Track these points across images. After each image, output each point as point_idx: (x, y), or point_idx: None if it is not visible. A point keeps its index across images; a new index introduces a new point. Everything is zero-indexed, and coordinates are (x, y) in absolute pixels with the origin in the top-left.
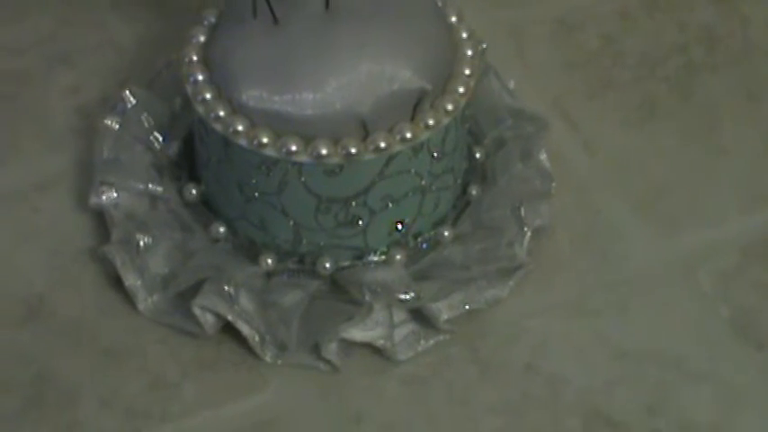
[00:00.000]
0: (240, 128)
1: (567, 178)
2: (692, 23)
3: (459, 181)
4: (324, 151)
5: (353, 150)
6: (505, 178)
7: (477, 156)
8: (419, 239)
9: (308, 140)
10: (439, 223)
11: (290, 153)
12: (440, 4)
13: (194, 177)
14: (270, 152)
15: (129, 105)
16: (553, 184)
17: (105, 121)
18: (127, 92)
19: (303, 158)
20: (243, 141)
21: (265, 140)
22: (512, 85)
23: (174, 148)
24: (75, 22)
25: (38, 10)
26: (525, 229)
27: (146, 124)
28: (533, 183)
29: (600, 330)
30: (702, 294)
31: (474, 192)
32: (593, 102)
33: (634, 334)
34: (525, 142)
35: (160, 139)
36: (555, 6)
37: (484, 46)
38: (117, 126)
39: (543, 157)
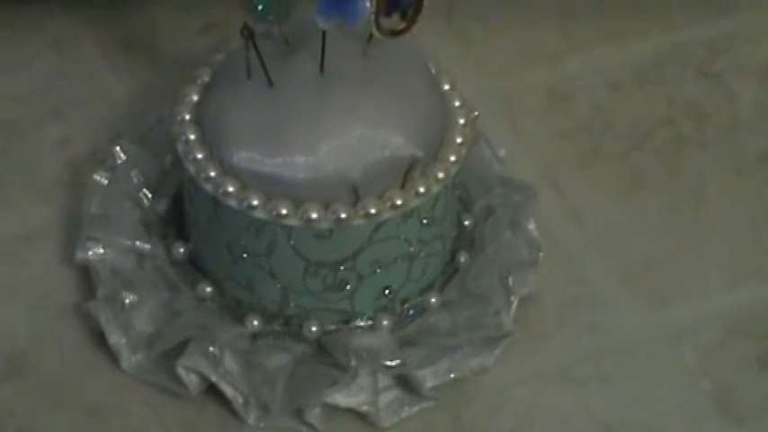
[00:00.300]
0: (230, 189)
1: (554, 247)
2: (681, 98)
3: (447, 247)
4: (314, 215)
5: (343, 215)
6: (494, 246)
7: (467, 223)
8: (406, 305)
9: (298, 204)
10: (426, 289)
11: (280, 216)
12: (433, 71)
13: (182, 236)
14: (260, 214)
15: (119, 161)
16: (540, 254)
17: (95, 176)
18: (117, 147)
19: (293, 222)
20: (233, 203)
21: (255, 203)
22: (502, 153)
23: (163, 205)
24: (67, 74)
25: (30, 61)
26: (512, 298)
27: (135, 180)
28: (521, 252)
29: (585, 401)
30: (686, 368)
31: (462, 259)
32: (583, 172)
33: (618, 406)
34: (514, 211)
35: (149, 195)
36: (547, 77)
37: (476, 114)
38: (106, 181)
39: (531, 226)
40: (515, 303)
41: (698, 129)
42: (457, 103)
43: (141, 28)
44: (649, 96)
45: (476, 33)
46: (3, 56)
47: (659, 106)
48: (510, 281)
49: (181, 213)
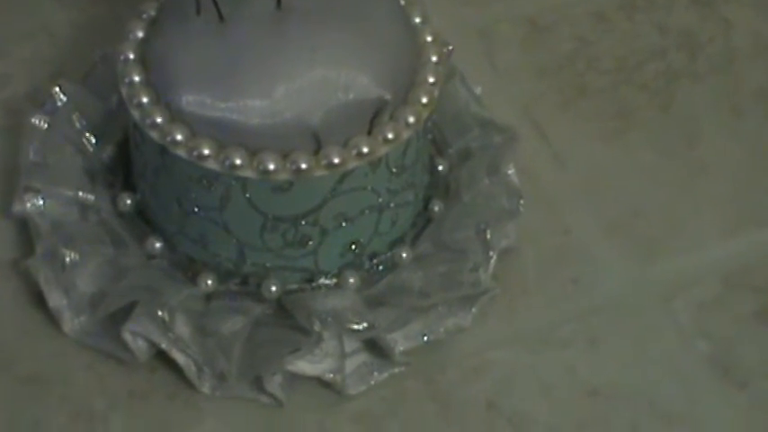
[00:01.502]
0: (179, 137)
1: (536, 195)
2: (672, 27)
3: (419, 196)
4: (271, 166)
5: (304, 166)
6: (470, 194)
7: (440, 168)
8: (375, 261)
9: (253, 153)
10: (396, 243)
11: (233, 167)
12: (402, 2)
13: (130, 185)
14: (211, 165)
15: (60, 103)
16: (521, 202)
17: (32, 120)
18: (57, 88)
19: (248, 173)
20: (182, 152)
21: (207, 152)
22: (479, 91)
23: (109, 151)
24: (4, 5)
25: None
26: (491, 253)
27: (77, 124)
28: (500, 200)
29: (569, 364)
30: (679, 326)
31: (436, 208)
32: (566, 110)
33: (605, 369)
34: (492, 155)
35: (93, 141)
36: (527, 5)
37: (450, 48)
38: (45, 125)
39: (511, 171)
40: (494, 258)
41: (691, 61)
42: (429, 38)
43: None
44: (637, 26)
45: None
46: None
47: (648, 36)
48: (488, 233)
49: (128, 161)
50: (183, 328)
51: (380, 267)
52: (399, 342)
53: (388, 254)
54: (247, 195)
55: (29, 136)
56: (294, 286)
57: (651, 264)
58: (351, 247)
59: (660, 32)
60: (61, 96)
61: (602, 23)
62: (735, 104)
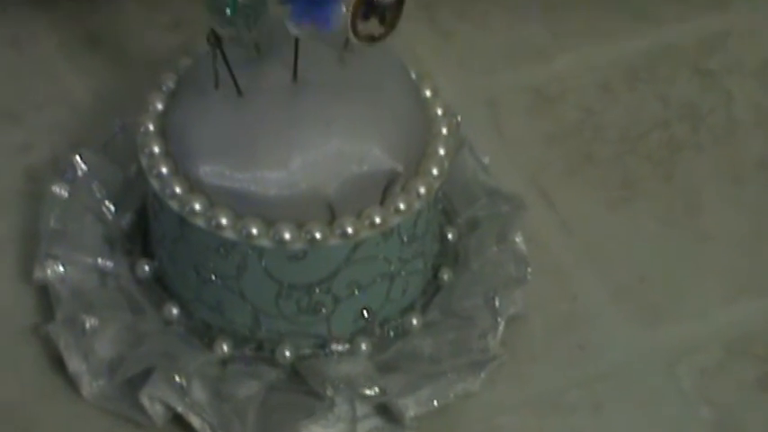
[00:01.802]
0: (197, 207)
1: (543, 262)
2: (675, 98)
3: (429, 264)
4: (287, 236)
5: (318, 235)
6: (479, 262)
7: (450, 237)
8: (386, 327)
9: (270, 223)
10: (407, 309)
11: (250, 236)
12: (414, 77)
13: (148, 253)
14: (229, 235)
15: (80, 172)
16: (529, 270)
17: (53, 188)
18: (77, 157)
19: (264, 243)
20: (200, 222)
21: (224, 222)
22: (487, 160)
23: (127, 219)
24: (26, 75)
25: None
26: (499, 320)
27: (97, 193)
28: (508, 268)
29: (575, 429)
30: (682, 393)
31: (445, 276)
32: (572, 179)
33: None
34: (500, 223)
35: (112, 209)
36: (533, 76)
37: (459, 119)
38: (66, 194)
39: (519, 239)
40: (502, 325)
41: (693, 131)
42: (439, 111)
43: (106, 25)
44: (641, 97)
45: (459, 30)
46: None
47: (652, 107)
48: (496, 301)
49: (146, 228)
50: (199, 392)
51: (391, 333)
52: (410, 407)
53: (399, 320)
54: (263, 264)
55: (50, 204)
56: (308, 352)
57: (655, 330)
58: (363, 314)
59: (663, 104)
60: (81, 165)
61: (607, 94)
62: (736, 175)
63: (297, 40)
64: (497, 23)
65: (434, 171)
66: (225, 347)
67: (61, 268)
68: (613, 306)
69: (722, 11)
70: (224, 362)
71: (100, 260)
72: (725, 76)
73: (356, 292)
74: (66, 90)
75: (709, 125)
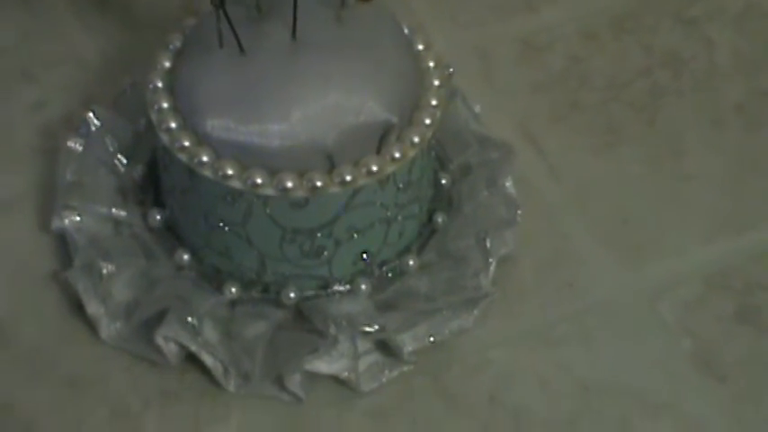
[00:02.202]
0: (205, 159)
1: (532, 205)
2: (658, 46)
3: (424, 209)
4: (289, 184)
5: (319, 184)
6: (471, 206)
7: (443, 182)
8: (384, 268)
9: (273, 173)
10: (404, 252)
11: (255, 186)
12: (407, 31)
13: (159, 202)
14: (235, 184)
15: (93, 127)
16: (518, 212)
17: (68, 144)
18: (90, 113)
19: (268, 191)
20: (208, 172)
21: (230, 172)
22: (478, 109)
23: (139, 171)
24: (37, 34)
25: None
26: (490, 259)
27: (110, 147)
28: (499, 210)
29: (564, 361)
30: (665, 325)
31: (440, 219)
32: (559, 125)
33: (598, 365)
34: (491, 169)
35: (124, 161)
36: (521, 27)
37: (450, 70)
38: (80, 148)
39: (509, 183)
40: (493, 264)
41: (675, 78)
42: (431, 64)
43: None
44: (626, 46)
45: None
46: None
47: (636, 55)
48: (488, 241)
49: (157, 179)
50: (210, 332)
51: (389, 274)
52: (408, 343)
53: (397, 262)
54: (268, 211)
55: (65, 158)
56: (311, 293)
57: (639, 267)
58: (362, 256)
59: (646, 52)
60: (95, 121)
61: (593, 43)
62: (716, 118)
63: (295, 1)
64: None
65: (427, 121)
66: (233, 290)
67: (78, 218)
68: (599, 245)
69: None
70: (233, 304)
71: (114, 210)
72: (706, 23)
73: (355, 236)
74: (77, 49)
75: (691, 71)
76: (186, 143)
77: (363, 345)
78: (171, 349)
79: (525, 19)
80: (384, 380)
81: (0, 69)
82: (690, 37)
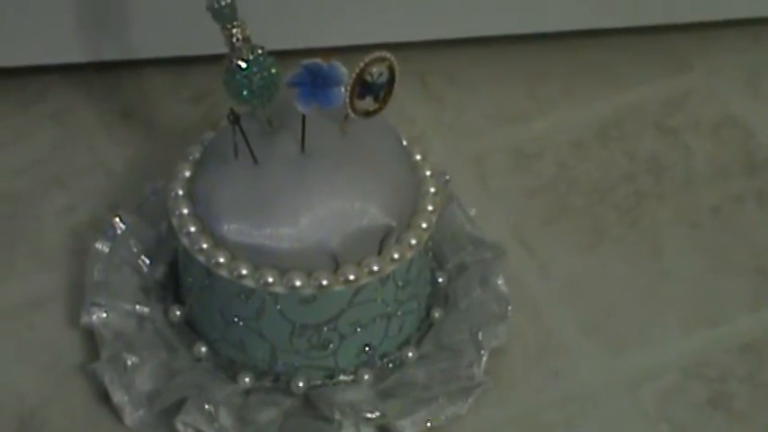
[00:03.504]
0: (222, 260)
1: (522, 301)
2: (641, 154)
3: (422, 305)
4: (298, 283)
5: (325, 282)
6: (465, 302)
7: (440, 280)
8: (385, 360)
9: (283, 272)
10: (404, 344)
11: (267, 284)
12: (405, 143)
13: (179, 299)
14: (249, 283)
15: (119, 230)
16: (509, 308)
17: (96, 245)
18: (117, 218)
19: (279, 289)
20: (224, 272)
21: (245, 272)
22: (473, 212)
23: (160, 271)
24: (67, 145)
25: (31, 133)
26: (483, 351)
27: (134, 248)
28: (491, 306)
29: None
30: (644, 411)
31: (437, 314)
32: (549, 227)
33: None
34: (484, 268)
35: (147, 262)
36: (515, 136)
37: (447, 177)
38: (107, 250)
39: (500, 281)
40: (486, 356)
41: (656, 183)
42: (428, 173)
43: (136, 98)
44: (611, 153)
45: (449, 96)
46: (4, 128)
47: (620, 162)
48: (480, 335)
49: (177, 278)
50: (225, 419)
51: (390, 365)
52: (407, 428)
53: (397, 354)
54: (278, 307)
55: (93, 258)
56: (318, 382)
57: (621, 357)
58: (365, 348)
59: (630, 158)
60: (120, 225)
61: (581, 151)
62: (693, 220)
63: (304, 117)
64: (484, 90)
65: (423, 225)
66: (247, 380)
67: (104, 314)
68: (584, 337)
69: (683, 74)
70: (246, 392)
71: (138, 307)
72: (685, 132)
73: (359, 330)
74: (104, 159)
75: (671, 177)
76: (204, 246)
77: (366, 430)
78: None
79: (518, 129)
80: None
81: (34, 177)
82: (670, 145)
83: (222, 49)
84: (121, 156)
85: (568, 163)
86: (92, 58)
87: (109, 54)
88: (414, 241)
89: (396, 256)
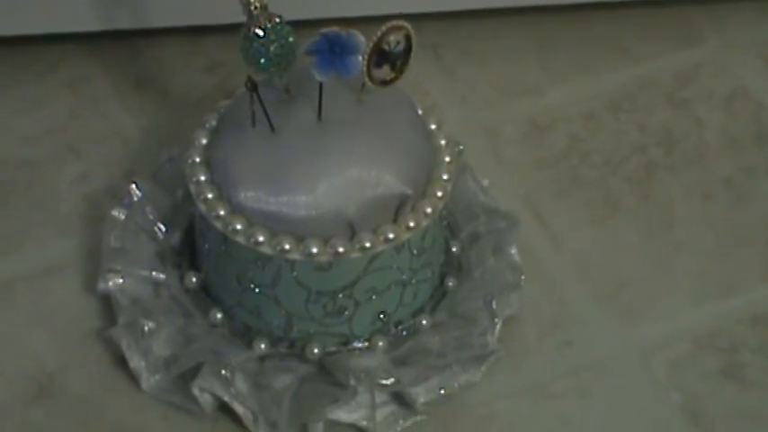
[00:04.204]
0: (238, 227)
1: (535, 270)
2: (652, 126)
3: (436, 273)
4: (314, 250)
5: (341, 249)
6: (479, 271)
7: (454, 249)
8: (400, 327)
9: (300, 239)
10: (418, 312)
11: (283, 251)
12: (420, 112)
13: (194, 266)
14: (265, 249)
15: (135, 198)
16: (522, 277)
17: (112, 212)
18: (133, 185)
19: (295, 256)
20: (241, 239)
21: (261, 239)
22: (486, 183)
23: (176, 237)
24: (82, 113)
25: (47, 101)
26: (496, 320)
27: (150, 215)
28: (504, 275)
29: (563, 414)
30: (657, 381)
31: (450, 283)
32: (561, 198)
33: (594, 417)
34: (498, 238)
35: (163, 229)
36: (527, 108)
37: (461, 148)
38: (123, 217)
39: (514, 251)
40: (499, 324)
41: (668, 155)
42: (443, 142)
43: (150, 67)
44: (622, 125)
45: (462, 68)
46: (20, 96)
47: (632, 134)
48: (494, 303)
49: (192, 245)
50: (241, 384)
51: (404, 333)
52: (421, 395)
53: (411, 321)
54: (295, 274)
55: (109, 225)
56: (333, 349)
57: (633, 328)
58: (379, 316)
59: (641, 131)
60: (137, 192)
61: (592, 123)
62: (705, 192)
63: (321, 85)
64: (496, 62)
65: (439, 193)
66: (262, 346)
67: (121, 280)
68: (596, 308)
69: (695, 47)
70: (262, 358)
71: (154, 273)
72: (697, 105)
73: (373, 298)
74: (118, 127)
75: (682, 149)
76: (221, 212)
77: (380, 396)
78: (205, 399)
79: (531, 101)
80: (399, 428)
81: (49, 145)
82: (682, 117)
83: (236, 18)
84: (136, 124)
85: (580, 135)
86: (107, 27)
87: (124, 23)
88: (429, 209)
89: (411, 224)
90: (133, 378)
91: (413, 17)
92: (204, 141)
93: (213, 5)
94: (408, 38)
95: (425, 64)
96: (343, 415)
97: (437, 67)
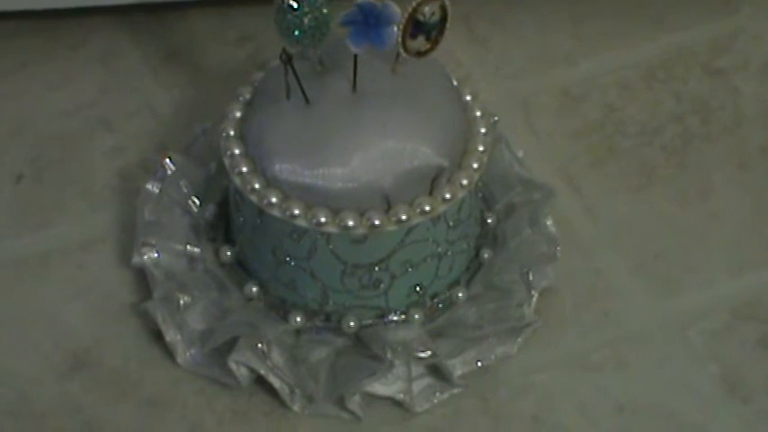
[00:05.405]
0: (274, 200)
1: (571, 242)
2: (688, 95)
3: (472, 245)
4: (350, 222)
5: (377, 222)
6: (515, 243)
7: (489, 221)
8: (435, 300)
9: (335, 212)
10: (454, 285)
11: (319, 224)
12: (455, 83)
13: (229, 239)
14: (301, 222)
15: (169, 171)
16: (558, 248)
17: (147, 186)
18: (167, 159)
19: (331, 229)
20: (276, 212)
21: (297, 212)
22: (521, 154)
23: (210, 211)
24: (114, 87)
25: (79, 75)
26: (533, 291)
27: (184, 189)
28: (540, 247)
29: (601, 385)
30: (694, 351)
31: (486, 255)
32: (596, 169)
33: (632, 388)
34: (533, 209)
35: (197, 202)
36: (561, 78)
37: (495, 119)
38: (157, 190)
39: (549, 222)
40: (536, 296)
41: (703, 124)
42: (478, 113)
43: (181, 40)
44: (657, 94)
45: (494, 38)
46: (52, 70)
47: (667, 104)
48: (530, 275)
49: (227, 218)
50: (277, 357)
51: (440, 305)
52: (457, 367)
53: (447, 294)
54: (330, 247)
55: (144, 199)
56: (369, 322)
57: (670, 298)
58: (415, 288)
59: (677, 100)
60: (170, 166)
61: (627, 93)
62: (742, 161)
63: (356, 56)
64: (529, 31)
65: (474, 165)
66: (298, 319)
67: (156, 254)
68: (633, 278)
69: (731, 15)
70: (298, 331)
71: (188, 247)
72: (733, 74)
73: (409, 270)
74: (151, 101)
75: (718, 118)
76: (257, 185)
77: (417, 369)
78: (242, 373)
79: (564, 71)
80: (436, 401)
81: (82, 120)
82: (717, 86)
83: None
84: (168, 98)
85: (615, 104)
86: (138, 0)
87: None
88: (465, 181)
89: (447, 196)
90: (169, 352)
91: None
92: (238, 114)
93: None
94: (443, 8)
95: (457, 34)
96: (379, 388)
97: (469, 37)
